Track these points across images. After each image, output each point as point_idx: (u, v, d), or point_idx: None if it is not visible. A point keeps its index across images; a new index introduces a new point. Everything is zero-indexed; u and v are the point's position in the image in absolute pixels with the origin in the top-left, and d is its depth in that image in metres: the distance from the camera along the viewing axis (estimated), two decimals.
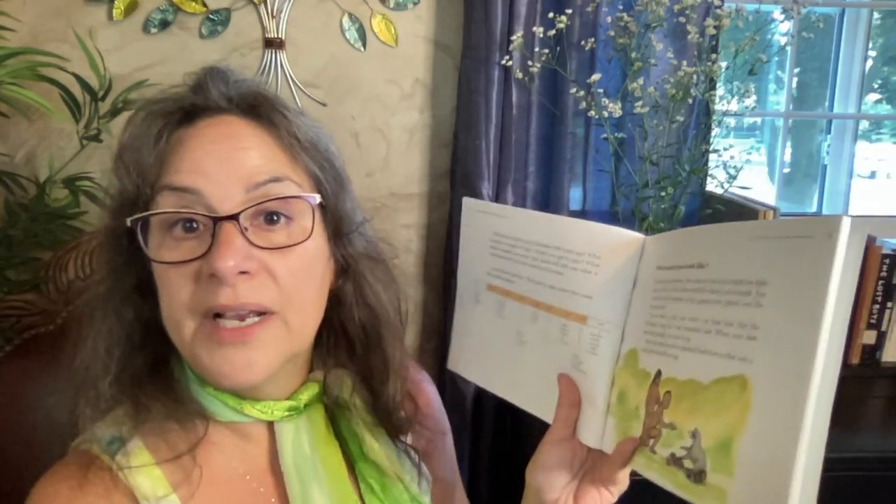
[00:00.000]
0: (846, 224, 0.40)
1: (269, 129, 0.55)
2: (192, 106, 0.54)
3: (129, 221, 0.52)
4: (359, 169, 1.42)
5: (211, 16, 1.31)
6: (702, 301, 0.49)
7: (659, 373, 0.52)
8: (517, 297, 0.64)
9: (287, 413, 0.57)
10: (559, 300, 0.60)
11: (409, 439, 0.65)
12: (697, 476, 0.46)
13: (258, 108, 0.55)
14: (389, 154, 1.42)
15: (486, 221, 0.67)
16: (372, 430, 0.61)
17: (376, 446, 0.60)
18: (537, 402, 0.62)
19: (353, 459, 0.60)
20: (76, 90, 1.14)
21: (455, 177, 1.36)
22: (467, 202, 0.70)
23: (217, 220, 0.50)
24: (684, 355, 0.50)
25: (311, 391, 0.59)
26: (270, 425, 0.58)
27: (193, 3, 1.30)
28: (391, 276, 0.63)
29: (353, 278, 0.60)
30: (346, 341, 0.62)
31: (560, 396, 0.59)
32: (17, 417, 0.86)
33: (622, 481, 0.58)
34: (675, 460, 0.49)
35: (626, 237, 0.58)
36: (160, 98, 0.55)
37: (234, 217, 0.50)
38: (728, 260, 0.48)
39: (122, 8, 1.28)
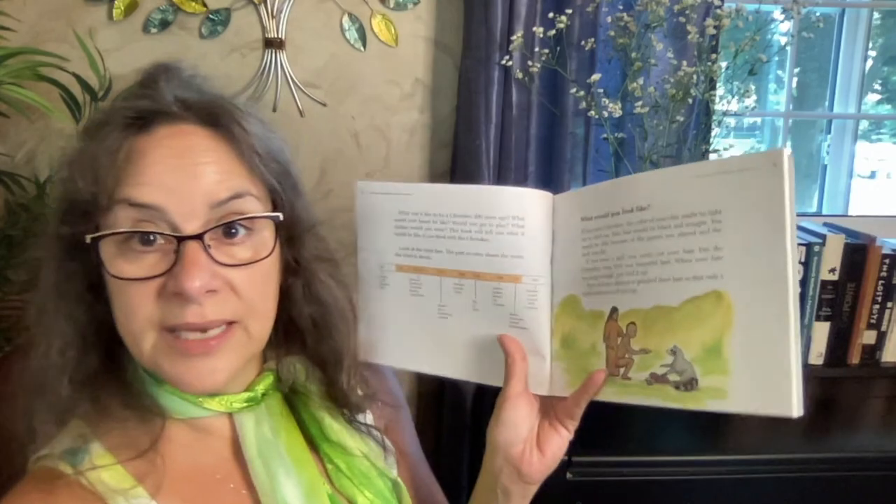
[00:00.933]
0: (787, 153, 0.48)
1: (230, 141, 0.54)
2: (149, 113, 0.53)
3: (88, 238, 0.51)
4: (359, 169, 1.42)
5: (211, 16, 1.31)
6: (652, 238, 0.55)
7: (615, 309, 0.57)
8: (434, 271, 0.65)
9: (246, 404, 0.58)
10: (488, 265, 0.62)
11: (368, 419, 0.67)
12: (688, 385, 0.52)
13: (218, 118, 0.54)
14: (389, 154, 1.42)
15: (385, 202, 0.66)
16: (331, 412, 0.63)
17: (336, 426, 0.62)
18: (473, 368, 0.65)
19: (315, 442, 0.62)
20: (76, 90, 1.14)
21: (455, 177, 1.36)
22: (361, 185, 0.68)
23: (181, 240, 0.50)
24: (643, 287, 0.55)
25: (267, 381, 0.60)
26: (230, 417, 0.58)
27: (193, 3, 1.30)
28: (341, 273, 0.64)
29: (304, 276, 0.61)
30: (298, 333, 0.63)
31: (508, 355, 0.61)
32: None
33: (578, 417, 0.62)
34: (657, 378, 0.54)
35: (540, 196, 0.61)
36: (117, 107, 0.54)
37: (198, 237, 0.51)
38: (673, 198, 0.54)
39: (122, 8, 1.28)
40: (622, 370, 0.56)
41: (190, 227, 0.51)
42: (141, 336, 0.52)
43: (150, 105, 0.53)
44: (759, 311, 0.50)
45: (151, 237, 0.51)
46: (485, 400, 1.40)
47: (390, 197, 0.66)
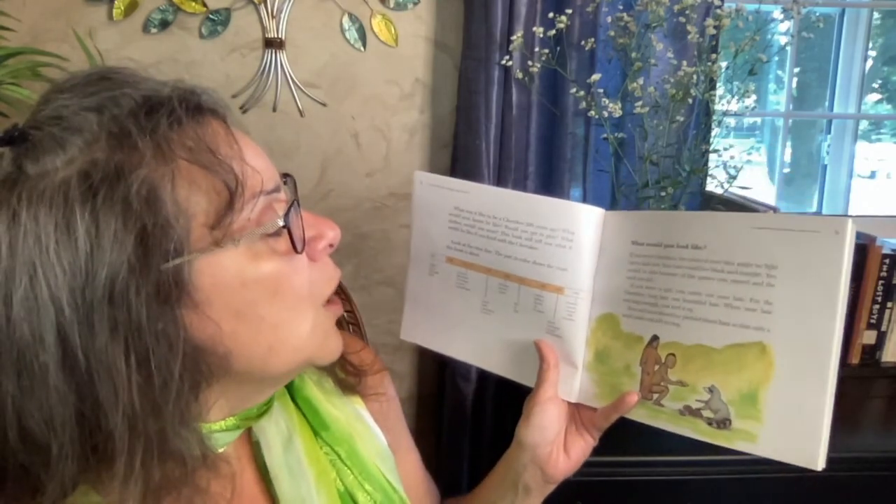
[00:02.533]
0: (851, 223, 0.50)
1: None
2: (195, 104, 0.48)
3: (280, 221, 0.47)
4: (359, 169, 1.42)
5: (211, 16, 1.31)
6: (703, 278, 0.56)
7: (655, 337, 0.59)
8: (482, 269, 0.68)
9: (265, 407, 0.55)
10: (534, 273, 0.65)
11: (363, 410, 0.66)
12: (721, 423, 0.55)
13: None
14: (389, 154, 1.42)
15: (442, 196, 0.69)
16: (322, 388, 0.62)
17: (329, 407, 0.61)
18: (506, 365, 0.68)
19: (314, 430, 0.60)
20: None
21: (455, 177, 1.35)
22: (419, 175, 0.71)
23: (298, 204, 0.50)
24: (687, 323, 0.57)
25: None
26: (241, 440, 0.55)
27: (193, 3, 1.30)
28: None
29: None
30: None
31: (544, 361, 0.64)
32: None
33: (604, 429, 0.64)
34: (691, 411, 0.57)
35: (592, 212, 0.63)
36: (171, 94, 0.47)
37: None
38: (731, 244, 0.55)
39: (122, 8, 1.28)
40: (655, 396, 0.59)
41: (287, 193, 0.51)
42: (303, 322, 0.50)
43: (200, 101, 0.49)
44: (799, 373, 0.52)
45: (290, 213, 0.48)
46: (484, 401, 1.40)
47: (448, 192, 0.69)
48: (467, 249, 0.68)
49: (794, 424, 0.52)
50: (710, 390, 0.56)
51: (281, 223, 0.47)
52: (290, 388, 0.61)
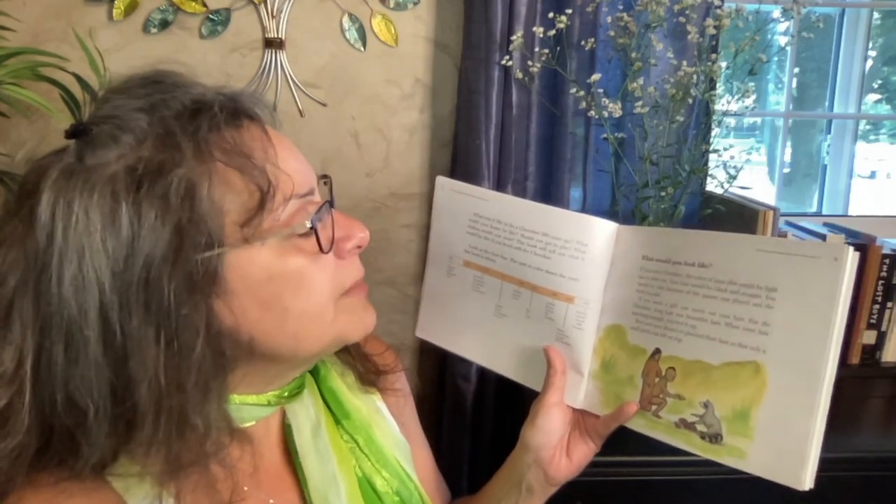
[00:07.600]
0: (851, 251, 0.51)
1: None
2: (235, 109, 0.51)
3: (308, 224, 0.49)
4: (359, 169, 1.42)
5: (211, 16, 1.31)
6: (707, 296, 0.58)
7: (658, 350, 0.61)
8: (497, 274, 0.70)
9: (297, 390, 0.59)
10: (546, 281, 0.66)
11: (382, 406, 0.69)
12: (713, 438, 0.57)
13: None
14: (389, 154, 1.42)
15: (463, 201, 0.71)
16: (344, 378, 0.65)
17: (351, 396, 0.64)
18: (515, 369, 0.70)
19: (336, 418, 0.63)
20: (76, 90, 1.14)
21: (455, 177, 1.35)
22: (441, 180, 0.73)
23: (331, 206, 0.54)
24: (689, 339, 0.59)
25: None
26: (275, 417, 0.58)
27: (193, 3, 1.30)
28: None
29: None
30: None
31: (551, 367, 0.65)
32: None
33: (605, 436, 0.66)
34: (686, 424, 0.58)
35: (605, 225, 0.65)
36: (214, 96, 0.50)
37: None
38: (735, 264, 0.57)
39: (122, 8, 1.29)
40: (654, 407, 0.61)
41: (321, 196, 0.55)
42: (325, 310, 0.53)
43: (239, 106, 0.51)
44: (790, 394, 0.53)
45: (323, 214, 0.52)
46: (484, 401, 1.40)
47: (468, 198, 0.71)
48: (484, 255, 0.70)
49: (782, 444, 0.53)
50: (706, 405, 0.57)
51: (308, 226, 0.50)
52: (317, 379, 0.63)
